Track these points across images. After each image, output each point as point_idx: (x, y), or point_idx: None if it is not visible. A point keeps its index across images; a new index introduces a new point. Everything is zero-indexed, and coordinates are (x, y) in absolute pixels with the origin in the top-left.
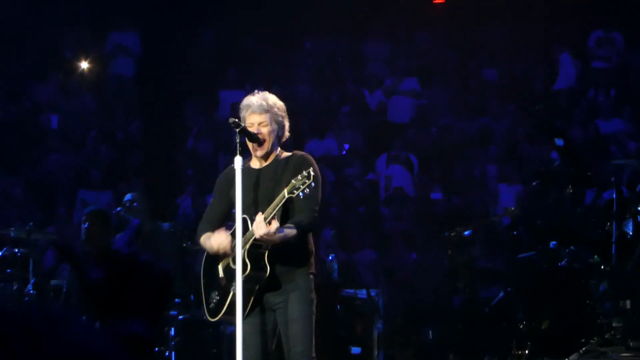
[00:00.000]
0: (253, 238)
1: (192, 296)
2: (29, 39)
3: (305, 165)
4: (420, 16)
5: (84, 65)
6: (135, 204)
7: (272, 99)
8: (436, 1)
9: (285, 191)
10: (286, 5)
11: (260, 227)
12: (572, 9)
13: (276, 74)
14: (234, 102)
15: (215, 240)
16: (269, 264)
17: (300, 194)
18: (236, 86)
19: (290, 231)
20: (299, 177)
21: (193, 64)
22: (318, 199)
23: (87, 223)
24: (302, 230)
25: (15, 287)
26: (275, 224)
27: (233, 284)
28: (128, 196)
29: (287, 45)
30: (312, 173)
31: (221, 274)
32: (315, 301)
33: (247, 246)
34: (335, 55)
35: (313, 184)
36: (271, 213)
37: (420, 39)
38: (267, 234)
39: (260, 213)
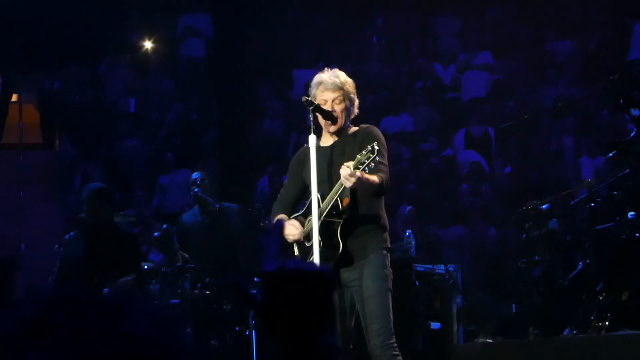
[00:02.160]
0: (339, 189)
1: None
2: (101, 23)
3: (370, 138)
4: None
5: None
6: (205, 181)
7: (343, 75)
8: None
9: (351, 165)
10: None
11: (346, 168)
12: None
13: (349, 51)
14: (307, 82)
15: (288, 232)
16: (341, 240)
17: (366, 168)
18: (310, 65)
19: (373, 177)
20: (364, 152)
21: (266, 44)
22: (386, 164)
23: (85, 205)
24: (382, 180)
25: None
26: (358, 172)
27: (307, 261)
28: (196, 175)
29: (359, 23)
30: (376, 147)
31: (296, 252)
32: (391, 277)
33: (320, 222)
34: (406, 31)
35: (377, 158)
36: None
37: (492, 13)
38: (352, 174)
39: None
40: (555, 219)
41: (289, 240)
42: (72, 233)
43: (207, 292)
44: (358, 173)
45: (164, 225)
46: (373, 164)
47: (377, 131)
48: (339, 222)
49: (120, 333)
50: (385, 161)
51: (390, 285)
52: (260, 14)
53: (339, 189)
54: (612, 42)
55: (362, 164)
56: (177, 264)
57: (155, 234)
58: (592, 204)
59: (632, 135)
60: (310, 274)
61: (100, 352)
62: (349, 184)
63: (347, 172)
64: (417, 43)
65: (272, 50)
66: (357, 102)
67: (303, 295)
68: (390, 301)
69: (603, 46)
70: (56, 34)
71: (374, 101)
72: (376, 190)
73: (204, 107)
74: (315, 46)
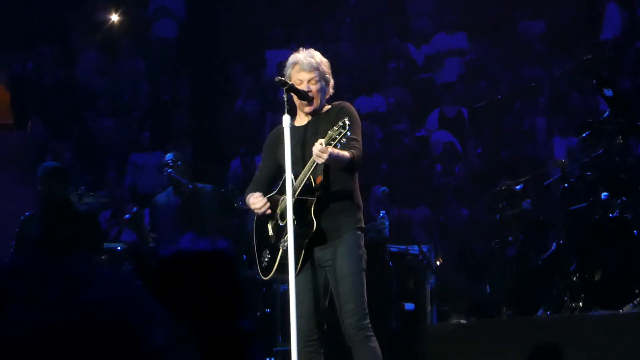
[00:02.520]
0: (312, 166)
1: (244, 256)
2: (71, 1)
3: (342, 114)
4: None
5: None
6: (179, 162)
7: (319, 55)
8: None
9: (323, 142)
10: None
11: (317, 146)
12: None
13: (321, 31)
14: (280, 62)
15: (252, 204)
16: (315, 218)
17: (338, 144)
18: (282, 45)
19: (344, 153)
20: (335, 127)
21: (237, 24)
22: (359, 140)
23: (39, 184)
24: (353, 156)
25: None
26: (330, 148)
27: (282, 240)
28: (169, 155)
29: (332, 2)
30: (347, 122)
31: (270, 232)
32: (365, 257)
33: (293, 201)
34: (379, 10)
35: (349, 134)
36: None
37: None
38: (323, 150)
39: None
40: (528, 200)
41: (257, 212)
42: (27, 213)
43: None
44: (330, 149)
45: (134, 208)
46: (345, 140)
47: (350, 107)
48: (313, 200)
49: (80, 302)
50: (358, 137)
51: (364, 265)
52: None
53: (312, 167)
54: (584, 21)
55: (334, 139)
56: (150, 245)
57: (127, 216)
58: (566, 184)
59: (605, 115)
60: (209, 254)
61: (59, 322)
62: (320, 160)
63: (318, 149)
64: (390, 23)
65: (244, 30)
66: (332, 82)
67: (204, 278)
68: (365, 281)
69: (575, 26)
70: (24, 13)
71: (347, 81)
72: (348, 166)
73: (176, 87)
74: (287, 26)
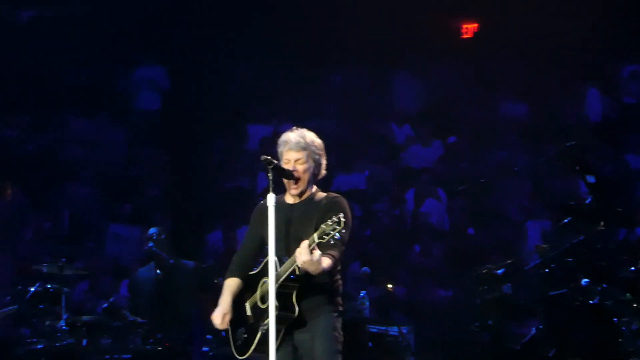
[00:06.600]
0: (293, 266)
1: (223, 332)
2: (55, 71)
3: (336, 209)
4: (449, 51)
5: (111, 98)
6: (162, 236)
7: (310, 136)
8: (465, 36)
9: (315, 236)
10: (314, 39)
11: (304, 253)
12: (604, 43)
13: (304, 108)
14: (262, 137)
15: (214, 320)
16: (296, 304)
17: (331, 240)
18: (264, 121)
19: (325, 259)
20: (329, 222)
21: (221, 98)
22: (345, 240)
23: None
24: (334, 262)
25: (47, 323)
26: (317, 252)
27: (261, 323)
28: (153, 230)
29: (314, 78)
30: (342, 219)
31: (249, 312)
32: (341, 339)
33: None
34: (363, 88)
35: (343, 230)
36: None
37: (448, 74)
38: (311, 260)
39: (305, 241)
40: (509, 284)
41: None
42: None
43: (159, 347)
44: (316, 256)
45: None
46: (338, 235)
47: (344, 203)
48: (295, 286)
49: None
50: (345, 238)
51: (340, 347)
52: (217, 68)
53: (295, 261)
54: (567, 106)
55: (327, 234)
56: (129, 319)
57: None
58: (547, 270)
59: (587, 201)
60: None
61: None
62: (310, 268)
63: (304, 258)
64: (372, 101)
65: (227, 105)
66: (324, 163)
67: None
68: None
69: (558, 110)
70: (7, 81)
71: (328, 159)
72: (323, 273)
73: (156, 159)
74: (270, 102)
